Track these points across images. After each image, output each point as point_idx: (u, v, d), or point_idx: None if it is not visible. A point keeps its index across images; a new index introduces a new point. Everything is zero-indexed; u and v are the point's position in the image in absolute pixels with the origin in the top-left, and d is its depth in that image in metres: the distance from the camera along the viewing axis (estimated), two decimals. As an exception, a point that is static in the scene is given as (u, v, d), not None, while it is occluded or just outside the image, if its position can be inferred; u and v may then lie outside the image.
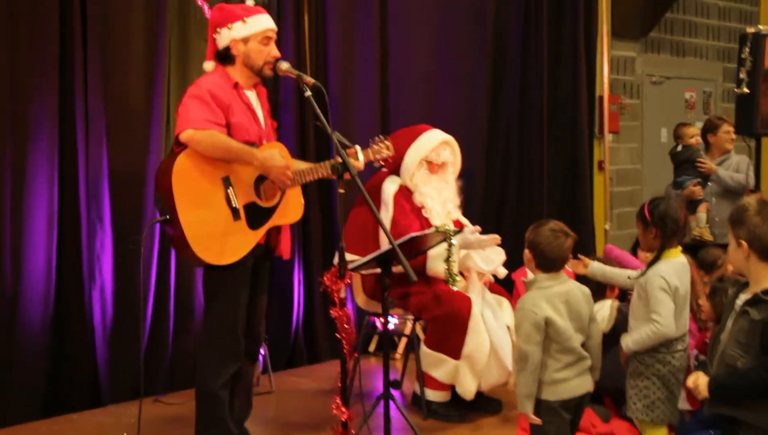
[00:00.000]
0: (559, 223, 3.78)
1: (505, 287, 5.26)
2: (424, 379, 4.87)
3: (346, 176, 3.94)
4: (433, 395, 4.88)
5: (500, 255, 5.01)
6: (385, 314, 4.11)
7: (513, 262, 5.09)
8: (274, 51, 4.08)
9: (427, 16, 6.74)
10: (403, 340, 6.20)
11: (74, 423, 4.91)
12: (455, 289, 4.89)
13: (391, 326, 5.92)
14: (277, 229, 4.18)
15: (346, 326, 3.88)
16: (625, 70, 8.67)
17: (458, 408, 4.90)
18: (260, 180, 4.04)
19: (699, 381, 3.31)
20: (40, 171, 4.86)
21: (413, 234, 4.43)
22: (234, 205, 3.93)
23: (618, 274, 4.24)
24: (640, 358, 3.90)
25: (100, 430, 4.78)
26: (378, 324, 5.96)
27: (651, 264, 3.90)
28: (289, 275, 5.97)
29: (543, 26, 7.36)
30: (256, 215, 4.01)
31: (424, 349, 4.86)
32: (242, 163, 3.94)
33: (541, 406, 3.62)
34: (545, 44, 7.37)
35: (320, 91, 3.97)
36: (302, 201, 4.26)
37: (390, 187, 5.05)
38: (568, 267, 3.93)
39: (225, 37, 4.04)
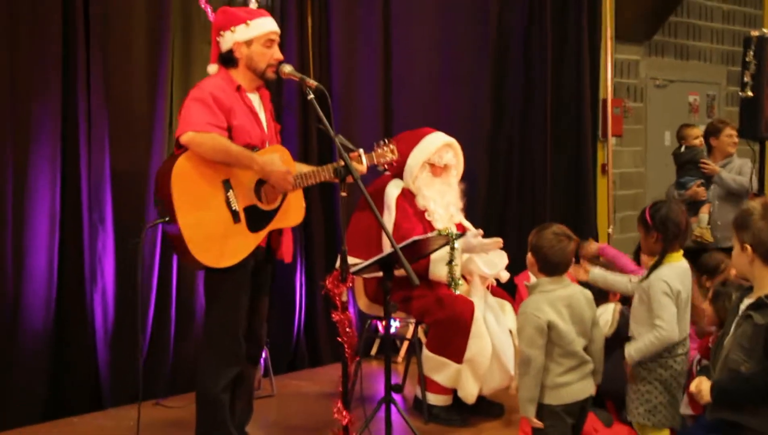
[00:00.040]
0: (562, 227, 3.77)
1: (507, 291, 5.25)
2: (425, 383, 4.86)
3: (349, 180, 3.93)
4: (434, 399, 4.86)
5: (503, 259, 5.00)
6: (387, 318, 4.10)
7: (515, 266, 5.08)
8: (277, 54, 4.08)
9: (430, 17, 6.73)
10: (405, 344, 6.19)
11: (75, 426, 4.90)
12: (457, 292, 4.88)
13: (392, 330, 5.92)
14: (279, 232, 4.17)
15: (347, 330, 3.88)
16: (628, 73, 8.67)
17: (460, 412, 4.89)
18: (261, 183, 4.03)
19: (702, 386, 3.30)
20: (42, 172, 4.85)
21: (416, 237, 4.42)
22: (234, 208, 3.92)
23: (619, 281, 4.23)
24: (642, 363, 3.89)
25: (101, 434, 4.77)
26: (380, 327, 5.96)
27: (653, 268, 3.90)
28: (291, 278, 5.96)
29: (546, 27, 7.35)
30: (256, 218, 4.00)
31: (425, 353, 4.85)
32: (242, 168, 3.93)
33: (543, 410, 3.62)
34: (549, 45, 7.37)
35: (323, 94, 3.97)
36: (303, 204, 4.25)
37: (393, 190, 5.04)
38: (570, 271, 3.92)
39: (228, 40, 4.03)
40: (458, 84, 6.89)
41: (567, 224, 3.89)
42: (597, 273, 4.27)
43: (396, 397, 4.27)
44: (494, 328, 4.82)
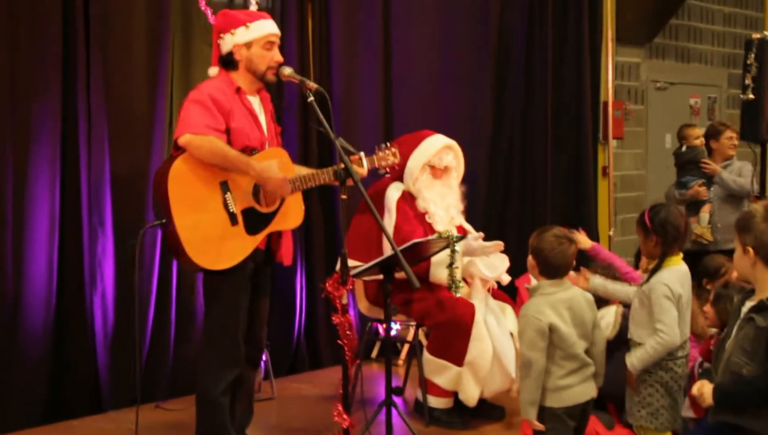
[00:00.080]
0: (562, 230, 3.77)
1: (508, 294, 5.24)
2: (426, 386, 4.85)
3: (349, 182, 3.92)
4: (435, 402, 4.86)
5: (504, 262, 4.99)
6: (387, 320, 4.09)
7: (516, 269, 5.07)
8: (277, 56, 4.07)
9: (430, 17, 6.72)
10: (406, 347, 6.18)
11: (74, 429, 4.89)
12: (458, 295, 4.87)
13: (393, 332, 5.91)
14: (278, 235, 4.16)
15: (348, 332, 3.87)
16: (629, 76, 8.66)
17: (461, 415, 4.88)
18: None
19: (704, 389, 3.29)
20: (42, 173, 4.83)
21: (416, 240, 4.42)
22: (232, 210, 3.91)
23: (620, 290, 4.24)
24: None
25: (101, 437, 4.78)
26: (380, 330, 5.95)
27: (653, 272, 3.89)
28: (291, 281, 5.95)
29: (547, 27, 7.34)
30: (254, 220, 3.99)
31: (426, 356, 4.84)
32: (239, 173, 3.92)
33: (544, 413, 3.61)
34: (549, 46, 7.36)
35: (323, 96, 3.96)
36: (303, 207, 4.23)
37: (393, 193, 5.03)
38: (571, 275, 3.91)
39: (228, 42, 4.03)
40: (458, 85, 6.88)
41: (568, 227, 3.88)
42: (597, 282, 4.28)
43: (397, 399, 4.26)
44: (495, 331, 4.81)
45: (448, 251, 4.80)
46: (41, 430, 4.84)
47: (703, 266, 4.97)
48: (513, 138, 7.29)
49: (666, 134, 8.99)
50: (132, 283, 4.70)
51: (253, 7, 5.34)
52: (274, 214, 4.05)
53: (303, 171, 4.18)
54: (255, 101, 4.11)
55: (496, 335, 4.80)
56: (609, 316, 4.56)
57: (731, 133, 6.51)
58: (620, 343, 4.25)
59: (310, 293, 6.06)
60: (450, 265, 4.85)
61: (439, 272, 4.86)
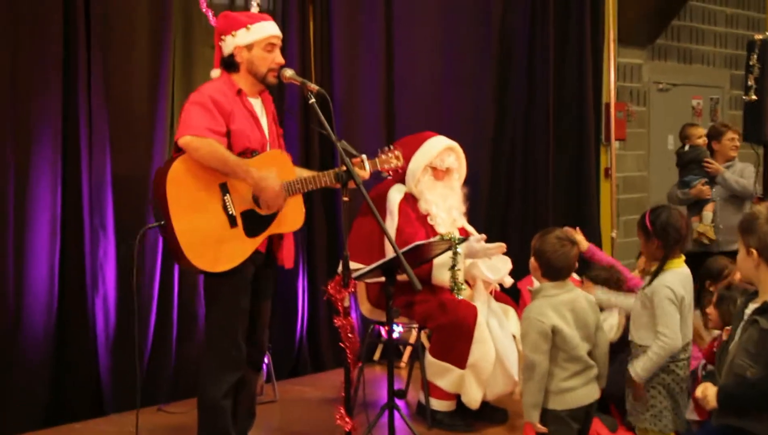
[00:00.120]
0: (565, 231, 3.76)
1: (511, 296, 5.23)
2: (429, 389, 4.84)
3: (351, 185, 3.91)
4: (438, 405, 4.85)
5: (506, 264, 4.98)
6: (389, 323, 4.08)
7: (519, 271, 5.05)
8: (278, 58, 4.06)
9: (432, 19, 6.72)
10: (408, 349, 6.17)
11: (76, 432, 4.88)
12: (460, 297, 4.86)
13: (395, 335, 5.90)
14: (279, 238, 4.15)
15: (350, 335, 3.86)
16: (631, 77, 8.65)
17: (463, 417, 4.87)
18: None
19: (707, 391, 3.28)
20: (43, 174, 4.83)
21: (418, 242, 4.40)
22: (231, 212, 3.90)
23: (623, 301, 4.23)
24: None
25: (102, 440, 4.78)
26: (383, 332, 5.94)
27: (656, 274, 3.88)
28: (293, 284, 5.94)
29: (549, 29, 7.34)
30: (254, 222, 3.97)
31: (429, 358, 4.83)
32: (237, 179, 3.90)
33: (547, 416, 3.60)
34: (551, 47, 7.35)
35: (325, 98, 3.95)
36: (303, 209, 4.21)
37: (395, 195, 5.03)
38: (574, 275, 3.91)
39: (229, 44, 4.02)
40: (460, 86, 6.88)
41: (570, 227, 3.87)
42: (601, 295, 4.27)
43: (399, 402, 4.25)
44: (497, 333, 4.80)
45: (450, 253, 4.79)
46: (42, 433, 4.83)
47: (706, 268, 4.96)
48: (515, 139, 7.28)
49: (668, 136, 8.98)
50: (131, 285, 4.69)
51: (255, 9, 5.34)
52: (273, 216, 4.04)
53: (304, 173, 4.16)
54: (256, 103, 4.10)
55: (498, 338, 4.79)
56: (612, 319, 4.55)
57: (733, 135, 6.50)
58: (624, 344, 4.24)
59: (312, 296, 6.05)
60: (452, 268, 4.84)
61: (441, 274, 4.85)
